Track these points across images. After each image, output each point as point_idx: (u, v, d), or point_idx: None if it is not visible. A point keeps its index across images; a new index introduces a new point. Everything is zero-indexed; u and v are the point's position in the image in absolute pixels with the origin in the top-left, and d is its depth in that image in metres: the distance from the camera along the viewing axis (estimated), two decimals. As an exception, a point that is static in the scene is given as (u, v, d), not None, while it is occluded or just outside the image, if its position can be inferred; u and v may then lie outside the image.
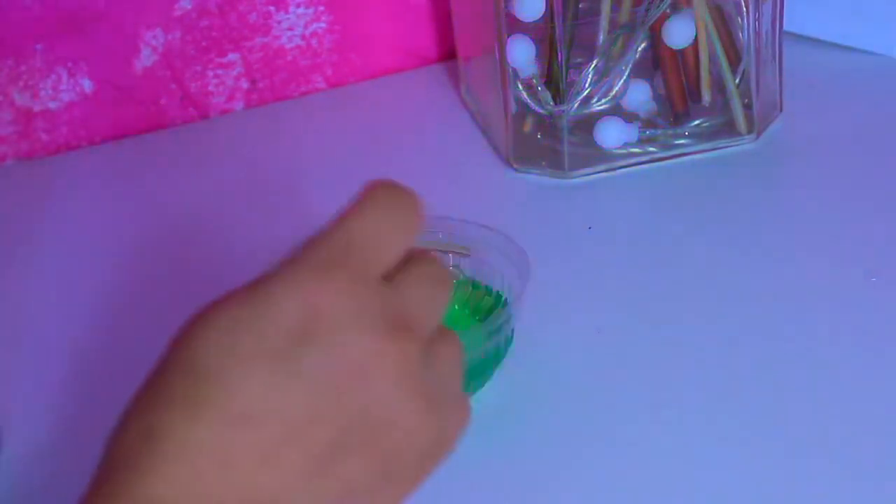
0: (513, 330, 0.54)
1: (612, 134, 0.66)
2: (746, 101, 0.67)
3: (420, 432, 0.38)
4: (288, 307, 0.37)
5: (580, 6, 0.64)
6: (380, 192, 0.40)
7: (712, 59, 0.66)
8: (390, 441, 0.38)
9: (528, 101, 0.66)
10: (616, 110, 0.66)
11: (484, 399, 0.52)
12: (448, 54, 0.78)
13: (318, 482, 0.37)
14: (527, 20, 0.65)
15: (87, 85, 0.74)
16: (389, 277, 0.40)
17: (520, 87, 0.66)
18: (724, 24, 0.65)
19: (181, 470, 0.36)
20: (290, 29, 0.76)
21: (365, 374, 0.37)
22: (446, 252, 0.57)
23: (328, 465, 0.37)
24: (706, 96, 0.66)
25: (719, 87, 0.67)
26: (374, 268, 0.39)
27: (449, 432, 0.41)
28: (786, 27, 0.68)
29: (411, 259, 0.41)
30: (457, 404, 0.42)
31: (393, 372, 0.38)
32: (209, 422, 0.36)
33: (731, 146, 0.67)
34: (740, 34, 0.66)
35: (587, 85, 0.65)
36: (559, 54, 0.64)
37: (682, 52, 0.65)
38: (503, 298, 0.55)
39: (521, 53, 0.66)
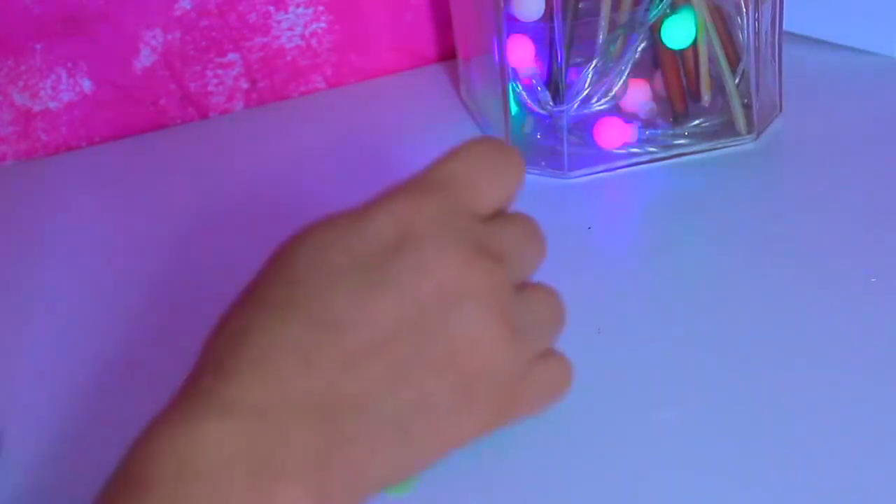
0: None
1: (611, 134, 0.66)
2: (746, 101, 0.67)
3: (501, 361, 0.38)
4: (381, 225, 0.38)
5: (580, 6, 0.64)
6: (483, 143, 0.41)
7: (712, 59, 0.66)
8: (471, 363, 0.38)
9: (528, 101, 0.66)
10: (616, 110, 0.67)
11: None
12: (448, 54, 0.78)
13: (397, 391, 0.37)
14: (527, 20, 0.65)
15: (87, 85, 0.74)
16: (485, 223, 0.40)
17: (520, 87, 0.66)
18: (723, 24, 0.65)
19: (264, 372, 0.36)
20: (290, 29, 0.76)
21: (450, 290, 0.38)
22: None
23: (408, 376, 0.37)
24: (706, 96, 0.66)
25: (719, 87, 0.67)
26: (468, 203, 0.40)
27: (540, 384, 0.41)
28: (786, 27, 0.68)
29: (509, 215, 0.41)
30: (551, 359, 0.42)
31: (478, 291, 0.38)
32: (296, 324, 0.37)
33: (730, 146, 0.67)
34: (740, 34, 0.66)
35: (587, 85, 0.65)
36: (559, 54, 0.64)
37: (681, 52, 0.65)
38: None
39: (521, 53, 0.66)
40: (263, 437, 0.35)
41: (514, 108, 0.67)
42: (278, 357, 0.36)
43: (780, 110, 0.69)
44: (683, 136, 0.67)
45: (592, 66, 0.65)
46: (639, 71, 0.66)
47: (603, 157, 0.67)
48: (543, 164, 0.67)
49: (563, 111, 0.66)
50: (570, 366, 0.43)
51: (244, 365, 0.36)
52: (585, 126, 0.66)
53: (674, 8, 0.64)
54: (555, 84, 0.65)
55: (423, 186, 0.40)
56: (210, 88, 0.76)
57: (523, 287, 0.41)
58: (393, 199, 0.39)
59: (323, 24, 0.76)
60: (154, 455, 0.35)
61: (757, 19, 0.65)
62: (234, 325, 0.38)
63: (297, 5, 0.75)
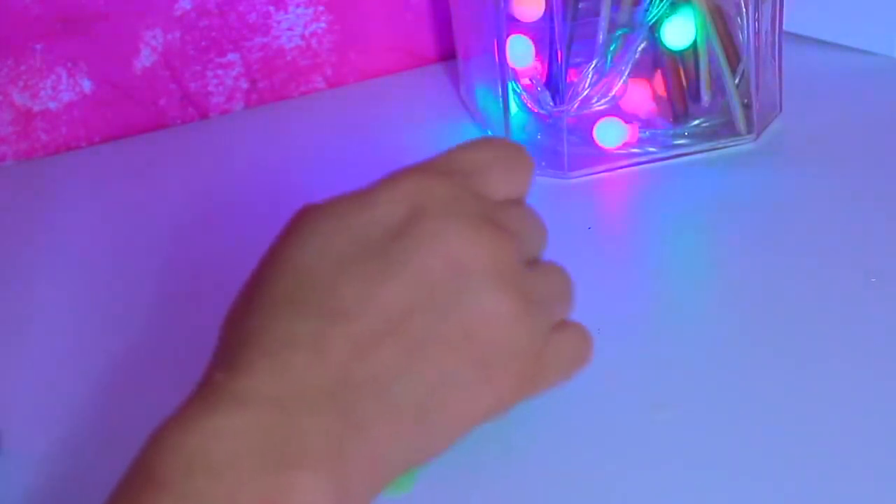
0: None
1: (612, 134, 0.66)
2: (746, 101, 0.67)
3: (518, 332, 0.38)
4: (388, 209, 0.38)
5: (580, 6, 0.64)
6: (494, 139, 0.41)
7: (712, 59, 0.66)
8: (487, 336, 0.38)
9: (528, 101, 0.66)
10: (616, 110, 0.67)
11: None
12: (447, 54, 0.78)
13: (413, 372, 0.37)
14: (526, 20, 0.65)
15: (86, 85, 0.74)
16: None
17: (519, 87, 0.66)
18: (723, 24, 0.65)
19: (277, 364, 0.36)
20: (290, 29, 0.76)
21: (460, 265, 0.37)
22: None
23: (423, 356, 0.37)
24: (706, 96, 0.66)
25: (719, 87, 0.67)
26: (476, 188, 0.39)
27: (560, 354, 0.41)
28: (786, 27, 0.68)
29: (513, 200, 0.41)
30: (568, 328, 0.42)
31: (489, 265, 0.38)
32: (306, 315, 0.37)
33: (730, 146, 0.67)
34: (740, 34, 0.66)
35: (587, 85, 0.65)
36: (559, 54, 0.64)
37: (681, 52, 0.65)
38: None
39: (521, 53, 0.66)
40: (278, 428, 0.35)
41: (513, 108, 0.67)
42: (290, 349, 0.36)
43: (780, 110, 0.69)
44: (683, 136, 0.67)
45: (592, 66, 0.65)
46: (639, 71, 0.66)
47: (603, 157, 0.67)
48: (543, 164, 0.67)
49: (563, 111, 0.66)
50: (589, 334, 0.43)
51: (256, 359, 0.36)
52: (585, 126, 0.66)
53: (674, 8, 0.64)
54: (555, 84, 0.65)
55: (430, 171, 0.40)
56: (210, 88, 0.76)
57: (533, 263, 0.41)
58: (398, 183, 0.39)
59: (323, 24, 0.76)
60: (167, 451, 0.35)
61: (757, 19, 0.65)
62: (245, 320, 0.38)
63: (297, 5, 0.75)
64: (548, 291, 0.41)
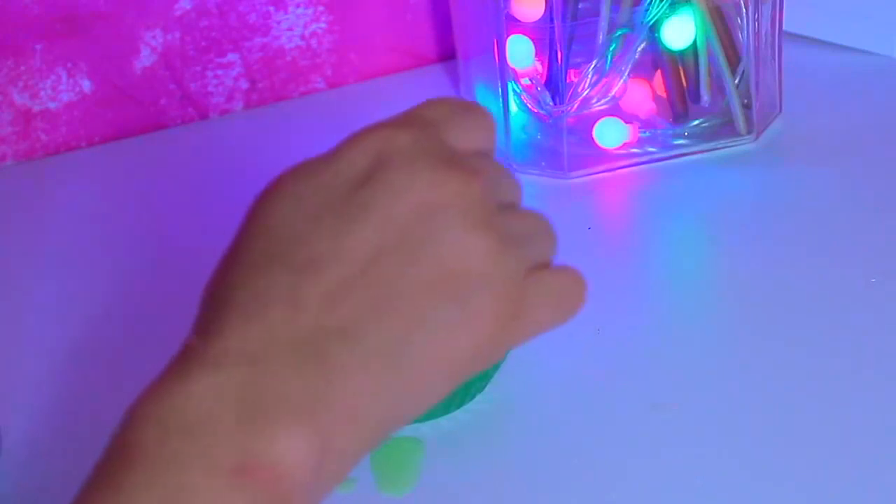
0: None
1: (611, 134, 0.66)
2: (746, 101, 0.67)
3: (492, 267, 0.37)
4: (352, 160, 0.38)
5: (580, 6, 0.64)
6: (452, 98, 0.41)
7: (712, 59, 0.66)
8: (460, 272, 0.37)
9: (528, 101, 0.66)
10: (616, 110, 0.67)
11: (484, 400, 0.52)
12: (447, 54, 0.78)
13: (387, 317, 0.36)
14: (527, 20, 0.65)
15: (86, 85, 0.74)
16: None
17: (519, 87, 0.66)
18: (723, 24, 0.65)
19: (249, 322, 0.36)
20: (290, 29, 0.76)
21: (426, 205, 0.37)
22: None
23: (397, 298, 0.36)
24: (706, 96, 0.66)
25: (719, 87, 0.67)
26: (440, 135, 0.39)
27: (545, 294, 0.40)
28: (786, 27, 0.68)
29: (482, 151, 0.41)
30: (556, 269, 0.41)
31: (456, 200, 0.37)
32: (276, 271, 0.36)
33: (730, 146, 0.67)
34: (740, 34, 0.66)
35: (587, 85, 0.65)
36: (559, 54, 0.64)
37: (681, 52, 0.65)
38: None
39: (521, 54, 0.66)
40: (252, 384, 0.34)
41: (513, 108, 0.67)
42: (261, 306, 0.36)
43: (780, 110, 0.69)
44: (683, 136, 0.67)
45: (592, 66, 0.65)
46: (639, 71, 0.66)
47: (603, 157, 0.67)
48: (543, 164, 0.67)
49: (563, 111, 0.66)
50: (581, 277, 0.42)
51: (228, 320, 0.36)
52: (585, 126, 0.66)
53: (674, 8, 0.64)
54: (555, 84, 0.65)
55: (392, 124, 0.40)
56: (210, 88, 0.76)
57: (509, 206, 0.40)
58: (361, 137, 0.39)
59: (323, 25, 0.76)
60: (142, 419, 0.35)
61: (757, 19, 0.65)
62: (219, 286, 0.38)
63: (297, 5, 0.75)
64: (524, 229, 0.40)
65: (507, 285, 0.38)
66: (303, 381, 0.35)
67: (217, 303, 0.37)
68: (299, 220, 0.37)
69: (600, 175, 0.66)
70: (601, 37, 0.65)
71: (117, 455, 0.35)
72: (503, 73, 0.66)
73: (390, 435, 0.38)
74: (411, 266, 0.37)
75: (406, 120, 0.40)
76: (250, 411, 0.34)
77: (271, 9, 0.75)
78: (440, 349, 0.37)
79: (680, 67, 0.66)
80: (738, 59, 0.66)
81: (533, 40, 0.66)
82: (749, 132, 0.67)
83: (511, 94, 0.66)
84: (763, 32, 0.66)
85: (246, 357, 0.35)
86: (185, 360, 0.36)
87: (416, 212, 0.37)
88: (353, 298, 0.36)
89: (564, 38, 0.64)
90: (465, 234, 0.37)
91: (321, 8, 0.76)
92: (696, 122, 0.67)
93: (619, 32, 0.65)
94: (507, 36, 0.65)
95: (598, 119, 0.66)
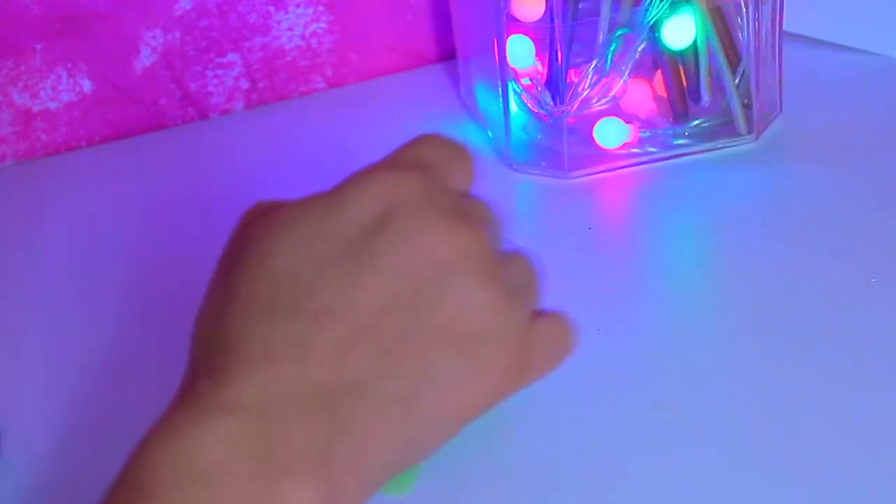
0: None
1: (612, 134, 0.66)
2: (746, 101, 0.67)
3: (501, 321, 0.38)
4: (361, 206, 0.38)
5: (580, 6, 0.64)
6: (438, 135, 0.41)
7: (712, 59, 0.66)
8: (470, 327, 0.38)
9: (528, 101, 0.66)
10: (616, 110, 0.67)
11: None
12: (447, 54, 0.78)
13: (397, 369, 0.37)
14: (527, 20, 0.65)
15: (86, 85, 0.74)
16: None
17: (519, 87, 0.66)
18: (723, 24, 0.65)
19: (260, 371, 0.36)
20: (290, 29, 0.76)
21: (438, 259, 0.37)
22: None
23: (407, 351, 0.37)
24: (706, 96, 0.66)
25: (719, 87, 0.67)
26: (442, 180, 0.40)
27: (545, 342, 0.40)
28: (786, 27, 0.68)
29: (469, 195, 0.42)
30: (550, 316, 0.41)
31: (467, 258, 0.38)
32: (287, 320, 0.37)
33: (730, 146, 0.67)
34: (740, 34, 0.66)
35: (587, 85, 0.65)
36: (559, 54, 0.64)
37: (681, 52, 0.65)
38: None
39: (521, 54, 0.66)
40: (264, 435, 0.35)
41: (513, 108, 0.67)
42: (272, 355, 0.36)
43: (780, 110, 0.69)
44: (683, 136, 0.67)
45: (592, 66, 0.65)
46: (639, 71, 0.66)
47: (603, 157, 0.67)
48: (543, 164, 0.67)
49: (563, 111, 0.66)
50: (570, 325, 0.42)
51: (239, 367, 0.36)
52: (585, 126, 0.66)
53: (674, 8, 0.64)
54: (555, 84, 0.65)
55: (396, 166, 0.40)
56: (210, 88, 0.76)
57: (504, 255, 0.41)
58: (367, 182, 0.39)
59: (323, 25, 0.76)
60: (154, 461, 0.35)
61: (757, 19, 0.65)
62: (223, 326, 0.37)
63: (297, 5, 0.75)
64: (521, 278, 0.41)
65: (514, 338, 0.39)
66: (313, 433, 0.35)
67: (223, 344, 0.37)
68: (307, 266, 0.37)
69: (600, 175, 0.66)
70: (601, 37, 0.65)
71: (128, 493, 0.35)
72: (503, 73, 0.66)
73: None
74: (421, 320, 0.37)
75: (407, 163, 0.40)
76: (261, 463, 0.34)
77: (271, 9, 0.75)
78: (450, 401, 0.38)
79: (680, 67, 0.66)
80: (739, 59, 0.66)
81: (533, 40, 0.66)
82: (749, 132, 0.67)
83: (511, 94, 0.66)
84: (763, 32, 0.66)
85: (256, 408, 0.35)
86: (196, 403, 0.36)
87: (427, 267, 0.37)
88: (363, 350, 0.36)
89: (565, 38, 0.64)
90: (475, 290, 0.38)
91: (321, 8, 0.76)
92: (697, 122, 0.67)
93: (619, 32, 0.65)
94: (508, 36, 0.65)
95: (598, 119, 0.66)
